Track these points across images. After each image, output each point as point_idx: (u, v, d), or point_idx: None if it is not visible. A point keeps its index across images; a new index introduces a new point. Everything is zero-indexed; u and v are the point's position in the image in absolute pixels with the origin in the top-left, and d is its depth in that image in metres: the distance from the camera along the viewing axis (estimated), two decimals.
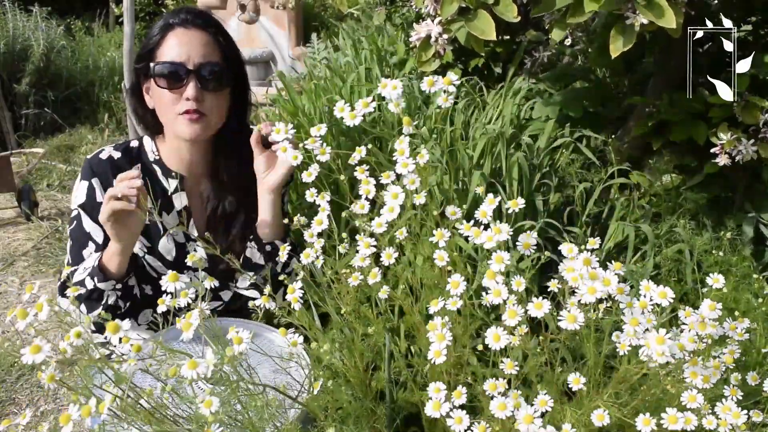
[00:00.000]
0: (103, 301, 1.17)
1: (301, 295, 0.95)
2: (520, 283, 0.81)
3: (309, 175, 0.99)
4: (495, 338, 0.78)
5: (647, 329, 0.74)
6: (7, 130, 4.57)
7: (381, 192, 0.93)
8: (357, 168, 0.98)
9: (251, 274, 1.27)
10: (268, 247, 1.28)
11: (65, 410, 0.70)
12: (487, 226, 0.87)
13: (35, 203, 3.41)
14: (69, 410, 0.69)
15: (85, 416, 0.68)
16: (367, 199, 0.95)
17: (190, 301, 0.85)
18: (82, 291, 1.16)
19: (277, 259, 1.25)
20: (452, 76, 0.93)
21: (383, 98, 0.96)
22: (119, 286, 1.18)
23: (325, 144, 0.99)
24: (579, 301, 0.77)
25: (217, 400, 0.73)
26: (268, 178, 1.26)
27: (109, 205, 1.10)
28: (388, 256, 0.94)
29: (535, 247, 0.88)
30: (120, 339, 0.75)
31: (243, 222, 1.35)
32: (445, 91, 0.93)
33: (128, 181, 1.09)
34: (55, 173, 4.09)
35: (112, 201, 1.09)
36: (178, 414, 0.79)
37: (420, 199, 0.93)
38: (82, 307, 1.17)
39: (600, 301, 0.80)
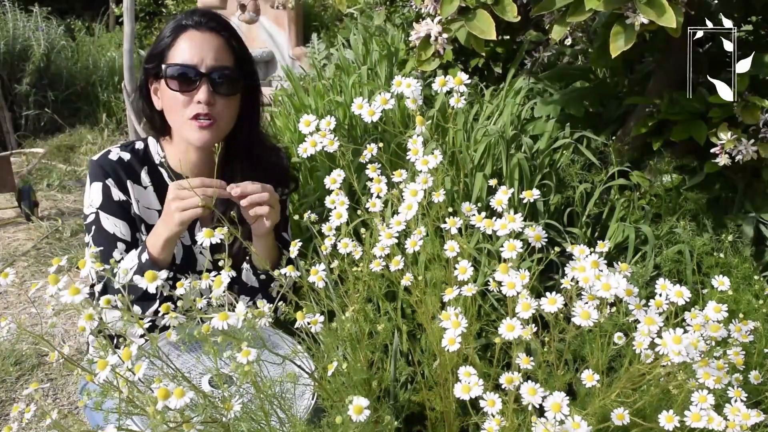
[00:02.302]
0: (158, 296, 1.15)
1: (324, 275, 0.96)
2: (524, 276, 0.81)
3: (333, 182, 1.01)
4: (509, 328, 0.77)
5: (660, 329, 0.74)
6: (7, 130, 4.57)
7: (392, 190, 0.95)
8: (369, 166, 0.99)
9: (247, 298, 1.28)
10: (262, 276, 1.27)
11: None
12: (500, 215, 0.88)
13: (35, 203, 3.40)
14: (107, 358, 0.69)
15: (125, 359, 0.68)
16: (378, 197, 0.97)
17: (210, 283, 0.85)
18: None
19: (271, 286, 1.24)
20: (463, 75, 0.93)
21: (400, 96, 0.97)
22: (171, 274, 1.17)
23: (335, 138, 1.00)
24: (585, 303, 0.77)
25: (255, 351, 0.73)
26: (253, 226, 1.22)
27: (194, 211, 1.10)
28: (413, 243, 0.94)
29: (545, 240, 0.89)
30: (156, 288, 0.77)
31: (248, 232, 1.31)
32: (456, 92, 0.94)
33: (215, 189, 1.11)
34: (55, 173, 4.08)
35: (200, 209, 1.10)
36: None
37: (439, 197, 0.94)
38: (136, 308, 1.14)
39: (603, 302, 0.80)
